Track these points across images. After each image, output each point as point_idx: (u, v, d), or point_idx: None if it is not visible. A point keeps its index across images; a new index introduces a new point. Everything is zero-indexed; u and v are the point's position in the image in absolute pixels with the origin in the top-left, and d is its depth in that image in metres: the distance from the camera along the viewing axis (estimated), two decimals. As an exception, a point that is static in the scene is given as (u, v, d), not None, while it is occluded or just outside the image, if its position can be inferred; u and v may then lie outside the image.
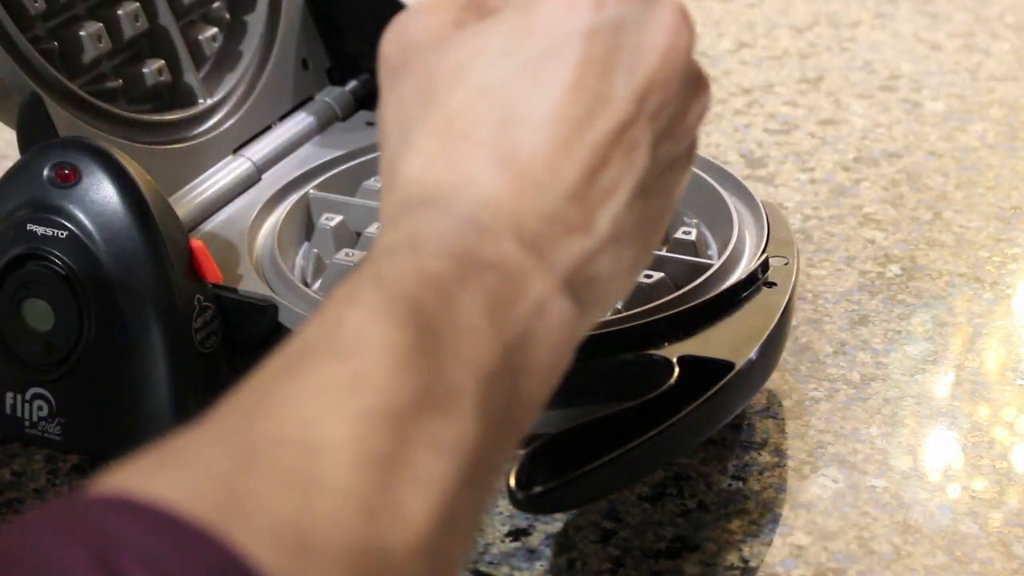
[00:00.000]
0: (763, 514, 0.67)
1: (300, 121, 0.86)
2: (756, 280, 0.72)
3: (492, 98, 0.50)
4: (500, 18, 0.52)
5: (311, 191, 0.80)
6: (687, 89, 0.53)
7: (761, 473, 0.70)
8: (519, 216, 0.49)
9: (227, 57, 0.84)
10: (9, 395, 0.71)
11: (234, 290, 0.72)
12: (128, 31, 0.78)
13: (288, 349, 0.45)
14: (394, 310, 0.44)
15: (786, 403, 0.74)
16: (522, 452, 0.63)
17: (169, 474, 0.40)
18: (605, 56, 0.50)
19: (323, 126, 0.87)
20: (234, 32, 0.85)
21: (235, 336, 0.72)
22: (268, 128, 0.85)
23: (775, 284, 0.72)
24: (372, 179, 0.82)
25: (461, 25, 0.53)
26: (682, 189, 0.55)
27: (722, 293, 0.70)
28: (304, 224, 0.79)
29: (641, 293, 0.72)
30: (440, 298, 0.46)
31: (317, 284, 0.76)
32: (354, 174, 0.83)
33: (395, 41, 0.54)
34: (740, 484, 0.69)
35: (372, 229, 0.77)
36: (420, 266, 0.46)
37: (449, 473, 0.43)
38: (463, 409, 0.44)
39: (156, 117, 0.79)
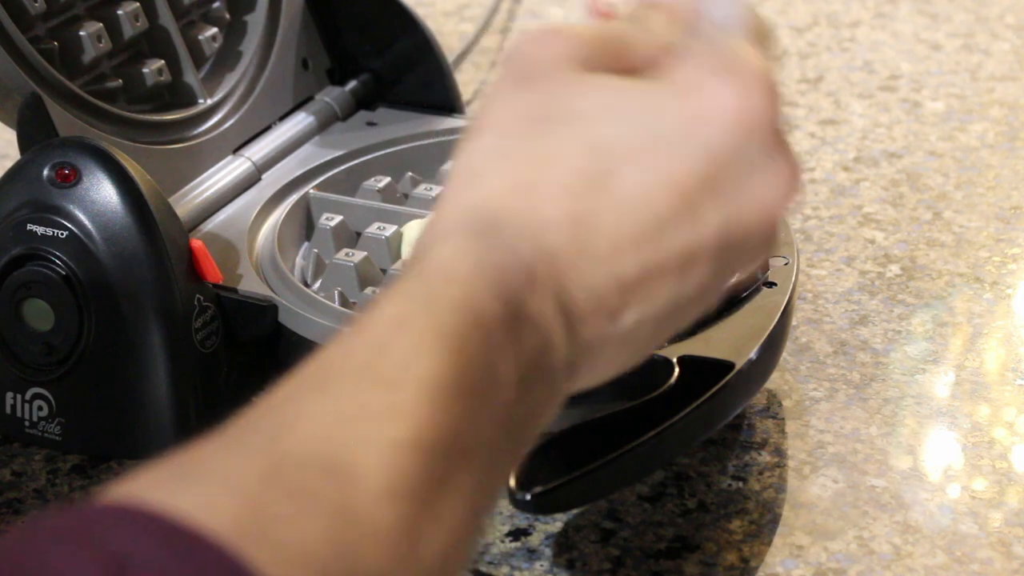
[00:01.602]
0: (763, 514, 0.67)
1: (300, 121, 0.86)
2: (756, 280, 0.72)
3: (598, 157, 0.49)
4: (645, 85, 0.51)
5: (311, 191, 0.80)
6: (759, 250, 0.53)
7: (761, 473, 0.70)
8: (566, 280, 0.48)
9: (227, 57, 0.84)
10: (9, 395, 0.71)
11: (234, 290, 0.72)
12: (128, 31, 0.78)
13: (326, 362, 0.44)
14: (442, 345, 0.43)
15: (786, 403, 0.74)
16: (522, 452, 0.63)
17: (188, 487, 0.39)
18: (721, 179, 0.49)
19: (323, 126, 0.87)
20: (234, 32, 0.85)
21: (235, 336, 0.72)
22: (268, 128, 0.85)
23: (775, 284, 0.72)
24: (372, 179, 0.82)
25: (595, 64, 0.51)
26: (689, 321, 0.55)
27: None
28: (304, 224, 0.80)
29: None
30: (485, 343, 0.45)
31: (317, 284, 0.76)
32: (354, 174, 0.83)
33: (532, 48, 0.52)
34: (740, 484, 0.69)
35: (372, 229, 0.77)
36: (473, 303, 0.45)
37: (463, 519, 0.42)
38: (483, 458, 0.44)
39: (156, 117, 0.79)
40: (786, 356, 0.76)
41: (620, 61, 0.52)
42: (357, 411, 0.42)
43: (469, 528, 0.43)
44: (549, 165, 0.49)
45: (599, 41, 0.52)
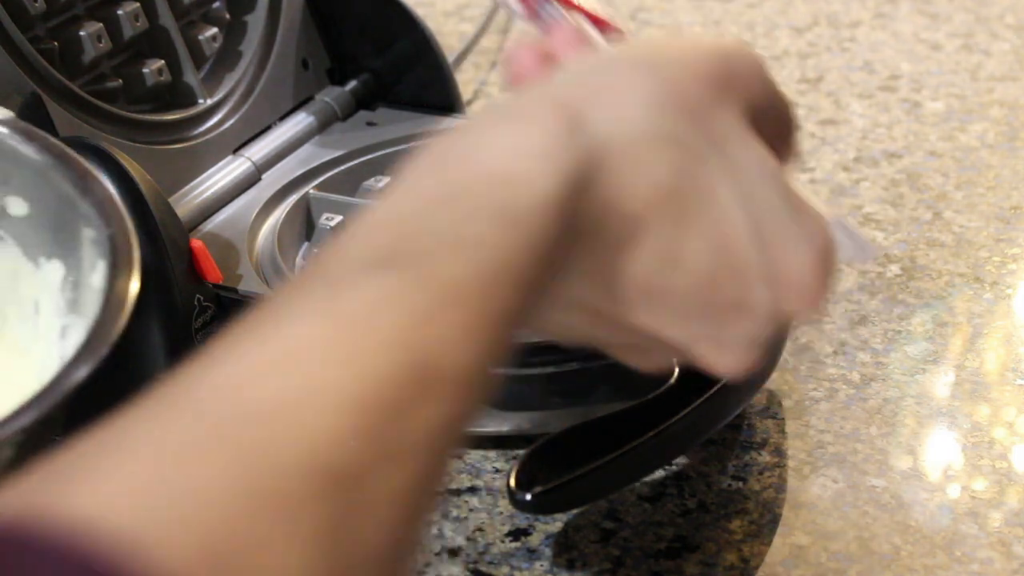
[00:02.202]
0: (763, 514, 0.67)
1: (300, 121, 0.86)
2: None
3: (704, 184, 0.48)
4: (787, 191, 0.49)
5: (311, 191, 0.80)
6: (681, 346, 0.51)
7: (761, 473, 0.70)
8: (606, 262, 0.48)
9: (227, 57, 0.84)
10: (9, 395, 0.71)
11: (234, 290, 0.72)
12: (128, 31, 0.78)
13: (363, 306, 0.39)
14: (485, 336, 0.41)
15: (786, 403, 0.74)
16: (522, 452, 0.63)
17: (96, 480, 0.32)
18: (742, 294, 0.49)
19: (323, 126, 0.87)
20: (234, 32, 0.85)
21: (235, 336, 0.72)
22: (268, 128, 0.85)
23: (775, 284, 0.72)
24: (372, 179, 0.82)
25: (761, 123, 0.50)
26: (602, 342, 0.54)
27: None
28: (304, 224, 0.79)
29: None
30: (517, 320, 0.43)
31: (317, 284, 0.76)
32: (354, 174, 0.83)
33: (749, 69, 0.50)
34: (740, 484, 0.69)
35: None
36: (524, 276, 0.43)
37: (404, 514, 0.37)
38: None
39: (156, 117, 0.79)
40: (786, 356, 0.76)
41: (772, 136, 0.51)
42: (376, 381, 0.37)
43: (414, 519, 0.37)
44: (665, 156, 0.47)
45: (785, 114, 0.52)
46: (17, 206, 0.60)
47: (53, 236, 0.58)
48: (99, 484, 0.32)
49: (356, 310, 0.38)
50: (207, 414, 0.35)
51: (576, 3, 0.58)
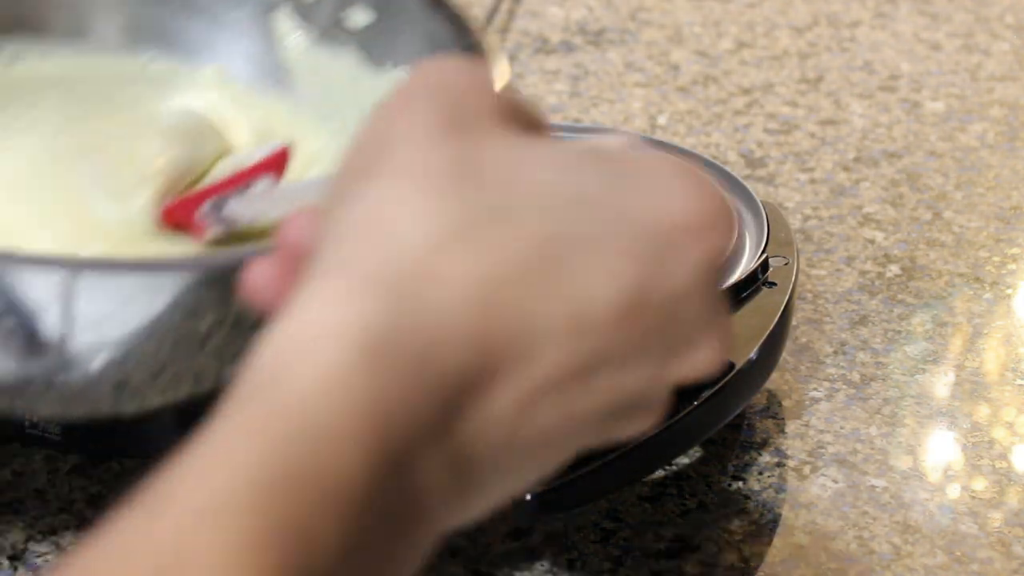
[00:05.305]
0: (763, 514, 0.67)
1: (300, 121, 0.86)
2: (756, 280, 0.72)
3: (550, 243, 0.39)
4: (602, 166, 0.41)
5: (311, 191, 0.80)
6: (646, 416, 0.44)
7: (761, 473, 0.70)
8: (479, 412, 0.39)
9: (227, 57, 0.84)
10: (9, 395, 0.71)
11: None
12: (128, 31, 0.78)
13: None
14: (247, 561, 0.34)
15: (786, 403, 0.74)
16: (522, 452, 0.63)
17: None
18: (679, 304, 0.42)
19: (323, 126, 0.87)
20: (234, 32, 0.85)
21: (235, 336, 0.72)
22: (268, 128, 0.85)
23: (775, 284, 0.72)
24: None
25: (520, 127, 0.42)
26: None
27: (722, 293, 0.70)
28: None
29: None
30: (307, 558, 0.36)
31: (317, 284, 0.76)
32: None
33: (468, 82, 0.41)
34: (740, 484, 0.69)
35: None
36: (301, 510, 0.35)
37: None
38: None
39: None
40: (786, 356, 0.76)
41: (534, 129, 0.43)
42: None
43: None
44: (494, 252, 0.39)
45: (518, 102, 0.43)
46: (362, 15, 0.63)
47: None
48: None
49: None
50: None
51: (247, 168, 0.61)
